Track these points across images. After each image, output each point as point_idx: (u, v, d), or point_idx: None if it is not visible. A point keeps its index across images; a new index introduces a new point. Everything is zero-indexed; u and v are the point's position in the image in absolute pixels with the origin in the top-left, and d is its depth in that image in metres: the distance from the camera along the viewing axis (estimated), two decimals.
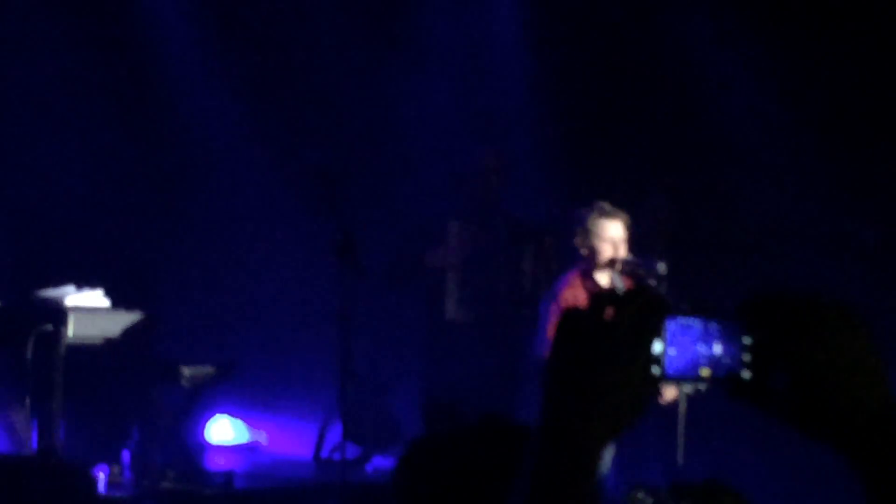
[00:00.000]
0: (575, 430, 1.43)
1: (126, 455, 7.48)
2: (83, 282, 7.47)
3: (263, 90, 9.77)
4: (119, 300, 7.58)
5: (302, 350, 9.45)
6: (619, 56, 9.22)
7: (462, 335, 7.91)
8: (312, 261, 8.88)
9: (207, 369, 7.77)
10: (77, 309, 7.28)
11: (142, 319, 7.57)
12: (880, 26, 8.55)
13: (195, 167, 9.72)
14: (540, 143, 9.30)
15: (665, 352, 1.46)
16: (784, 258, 8.74)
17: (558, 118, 9.28)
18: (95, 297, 7.46)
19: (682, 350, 1.46)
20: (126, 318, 7.52)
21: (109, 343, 7.43)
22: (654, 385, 1.46)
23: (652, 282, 6.61)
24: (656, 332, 1.45)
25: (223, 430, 9.63)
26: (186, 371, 7.66)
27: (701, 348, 1.46)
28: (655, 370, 1.46)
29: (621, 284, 6.65)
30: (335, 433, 8.58)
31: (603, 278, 6.72)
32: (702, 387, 1.48)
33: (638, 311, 1.45)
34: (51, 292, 7.32)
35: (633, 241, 6.79)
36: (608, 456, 6.17)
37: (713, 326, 1.46)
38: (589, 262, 6.67)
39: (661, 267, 6.64)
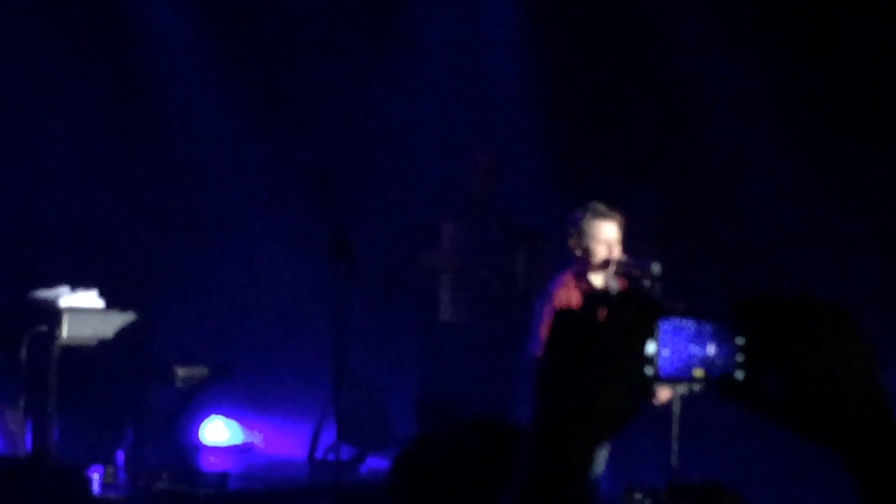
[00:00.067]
0: (568, 430, 1.43)
1: (120, 456, 7.48)
2: (77, 282, 7.47)
3: (259, 92, 9.77)
4: (113, 301, 7.57)
5: (296, 351, 9.44)
6: (612, 57, 9.22)
7: (456, 336, 7.92)
8: (307, 262, 8.87)
9: (202, 370, 7.77)
10: (71, 310, 7.28)
11: (136, 320, 7.57)
12: (877, 27, 8.55)
13: (190, 168, 9.72)
14: (534, 143, 9.30)
15: (658, 353, 1.45)
16: (778, 258, 8.75)
17: (552, 119, 9.27)
18: (90, 298, 7.45)
19: (675, 351, 1.46)
20: (120, 319, 7.52)
21: (104, 344, 7.43)
22: (647, 386, 1.46)
23: (646, 283, 6.61)
24: (650, 333, 1.45)
25: (217, 430, 9.62)
26: (181, 372, 7.67)
27: (694, 349, 1.46)
28: (649, 371, 1.45)
29: (615, 285, 6.64)
30: (329, 434, 8.57)
31: (597, 279, 6.72)
32: (695, 388, 1.48)
33: (631, 311, 1.46)
34: (45, 293, 7.32)
35: (626, 240, 6.79)
36: (602, 457, 6.17)
37: (707, 327, 1.46)
38: (583, 263, 6.66)
39: (656, 268, 6.62)
